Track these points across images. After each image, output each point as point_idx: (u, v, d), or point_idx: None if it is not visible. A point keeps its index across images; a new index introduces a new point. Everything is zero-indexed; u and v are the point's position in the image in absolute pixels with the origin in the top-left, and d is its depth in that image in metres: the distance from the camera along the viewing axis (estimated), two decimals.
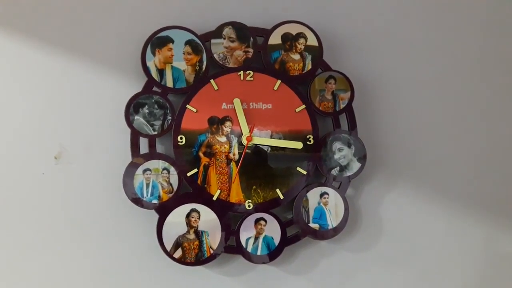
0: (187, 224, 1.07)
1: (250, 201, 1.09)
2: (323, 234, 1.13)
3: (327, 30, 1.18)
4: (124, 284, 1.09)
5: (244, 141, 1.09)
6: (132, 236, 1.09)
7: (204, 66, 1.10)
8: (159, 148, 1.09)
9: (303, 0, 1.20)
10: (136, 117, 1.07)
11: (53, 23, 1.10)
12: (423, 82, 1.24)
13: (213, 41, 1.11)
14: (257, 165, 1.11)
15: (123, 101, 1.06)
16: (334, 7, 1.22)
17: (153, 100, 1.08)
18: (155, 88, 1.09)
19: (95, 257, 1.08)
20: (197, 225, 1.07)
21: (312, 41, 1.15)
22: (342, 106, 1.16)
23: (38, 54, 1.09)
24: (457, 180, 1.24)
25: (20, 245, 1.06)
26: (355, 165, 1.15)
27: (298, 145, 1.11)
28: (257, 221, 1.10)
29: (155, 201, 1.06)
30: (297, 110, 1.13)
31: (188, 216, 1.07)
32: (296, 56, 1.14)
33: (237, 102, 1.10)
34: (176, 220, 1.06)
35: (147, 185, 1.06)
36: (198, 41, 1.10)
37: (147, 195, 1.06)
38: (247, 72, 1.12)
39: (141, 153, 1.07)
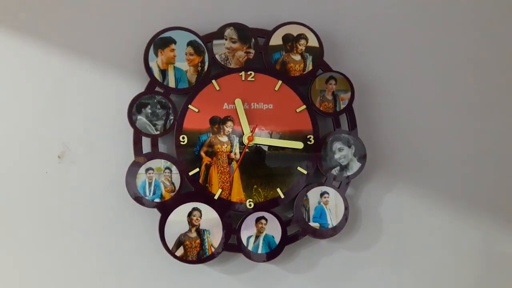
0: (188, 222, 1.08)
1: (251, 200, 1.11)
2: (323, 233, 1.14)
3: (328, 31, 1.19)
4: (126, 281, 1.11)
5: (245, 141, 1.10)
6: (134, 234, 1.11)
7: (206, 67, 1.12)
8: (161, 148, 1.11)
9: (304, 2, 1.21)
10: (139, 117, 1.08)
11: (57, 23, 1.11)
12: (423, 83, 1.25)
13: (215, 42, 1.12)
14: (258, 165, 1.12)
15: (126, 101, 1.08)
16: (334, 8, 1.23)
17: (155, 100, 1.09)
18: (157, 89, 1.10)
19: (98, 255, 1.10)
20: (199, 224, 1.08)
21: (313, 42, 1.16)
22: (342, 106, 1.17)
23: (42, 55, 1.10)
24: (456, 180, 1.25)
25: (24, 243, 1.07)
26: (355, 165, 1.16)
27: (299, 145, 1.12)
28: (258, 220, 1.11)
29: (157, 200, 1.07)
30: (298, 110, 1.14)
31: (189, 214, 1.08)
32: (297, 57, 1.15)
33: (238, 102, 1.11)
34: (178, 218, 1.08)
35: (150, 184, 1.07)
36: (200, 42, 1.11)
37: (149, 194, 1.07)
38: (249, 72, 1.13)
39: (144, 152, 1.09)
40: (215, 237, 1.09)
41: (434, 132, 1.25)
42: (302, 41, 1.16)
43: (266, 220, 1.11)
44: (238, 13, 1.17)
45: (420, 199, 1.23)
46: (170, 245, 1.06)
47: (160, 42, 1.10)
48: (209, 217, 1.09)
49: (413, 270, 1.22)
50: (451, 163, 1.25)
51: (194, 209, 1.09)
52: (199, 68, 1.11)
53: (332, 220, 1.14)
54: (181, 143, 1.09)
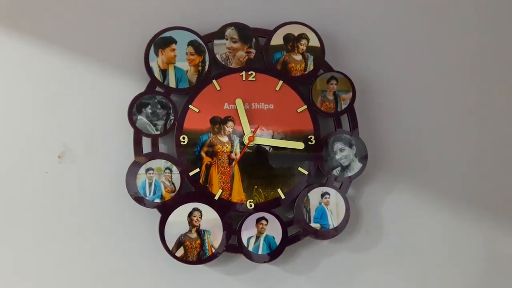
0: (189, 223, 1.08)
1: (251, 200, 1.10)
2: (324, 234, 1.13)
3: (329, 31, 1.19)
4: (126, 282, 1.10)
5: (246, 141, 1.09)
6: (134, 234, 1.10)
7: (206, 67, 1.11)
8: (162, 148, 1.10)
9: (305, 1, 1.21)
10: (139, 116, 1.08)
11: (57, 23, 1.11)
12: (424, 83, 1.25)
13: (215, 41, 1.12)
14: (258, 165, 1.11)
15: (126, 101, 1.07)
16: (336, 8, 1.22)
17: (156, 100, 1.09)
18: (158, 88, 1.10)
19: (98, 255, 1.09)
20: (199, 224, 1.08)
21: (314, 42, 1.15)
22: (343, 106, 1.16)
23: (43, 55, 1.10)
24: (458, 181, 1.24)
25: (24, 243, 1.07)
26: (357, 166, 1.15)
27: (300, 145, 1.12)
28: (258, 220, 1.10)
29: (157, 200, 1.07)
30: (299, 110, 1.14)
31: (190, 215, 1.08)
32: (298, 57, 1.15)
33: (239, 102, 1.11)
34: (178, 219, 1.07)
35: (150, 184, 1.07)
36: (201, 42, 1.11)
37: (149, 194, 1.07)
38: (249, 72, 1.13)
39: (144, 152, 1.08)
40: (215, 238, 1.08)
41: (436, 132, 1.24)
42: (303, 41, 1.15)
43: (267, 220, 1.11)
44: (239, 12, 1.17)
45: (421, 199, 1.23)
46: (170, 245, 1.06)
47: (161, 42, 1.10)
48: (210, 218, 1.08)
49: (415, 270, 1.22)
50: (452, 163, 1.24)
51: (195, 209, 1.08)
52: (200, 68, 1.11)
53: (333, 221, 1.14)
54: (182, 143, 1.09)
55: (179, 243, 1.07)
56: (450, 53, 1.26)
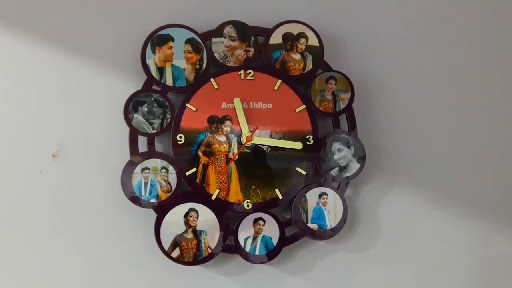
0: (185, 223, 1.06)
1: (249, 200, 1.09)
2: (321, 234, 1.12)
3: (328, 30, 1.18)
4: (122, 282, 1.09)
5: (244, 140, 1.08)
6: (130, 235, 1.09)
7: (204, 65, 1.10)
8: (158, 147, 1.09)
9: (305, 0, 1.19)
10: (135, 115, 1.06)
11: (52, 20, 1.09)
12: (423, 84, 1.24)
13: (213, 39, 1.11)
14: (256, 165, 1.10)
15: (122, 99, 1.06)
16: (335, 7, 1.21)
17: (152, 99, 1.07)
18: (154, 87, 1.08)
19: (93, 256, 1.08)
20: (195, 225, 1.07)
21: (313, 41, 1.14)
22: (342, 106, 1.15)
23: (37, 53, 1.08)
24: (455, 182, 1.24)
25: (17, 243, 1.05)
26: (355, 166, 1.15)
27: (298, 145, 1.11)
28: (255, 221, 1.09)
29: (153, 200, 1.05)
30: (297, 110, 1.13)
31: (186, 215, 1.06)
32: (297, 56, 1.14)
33: (237, 101, 1.09)
34: (174, 219, 1.06)
35: (146, 184, 1.05)
36: (199, 40, 1.09)
37: (145, 194, 1.05)
38: (248, 71, 1.11)
39: (140, 151, 1.07)
40: (212, 238, 1.07)
41: (433, 134, 1.24)
42: (302, 40, 1.14)
43: (264, 221, 1.10)
44: (237, 10, 1.15)
45: (419, 200, 1.22)
46: (166, 246, 1.05)
47: (158, 39, 1.08)
48: (206, 218, 1.07)
49: (412, 271, 1.21)
50: (450, 164, 1.24)
51: (191, 209, 1.07)
52: (198, 66, 1.10)
53: (331, 221, 1.13)
54: (178, 142, 1.07)
55: (175, 243, 1.05)
56: (449, 53, 1.26)
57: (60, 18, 1.09)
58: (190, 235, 1.06)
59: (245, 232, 1.09)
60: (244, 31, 1.12)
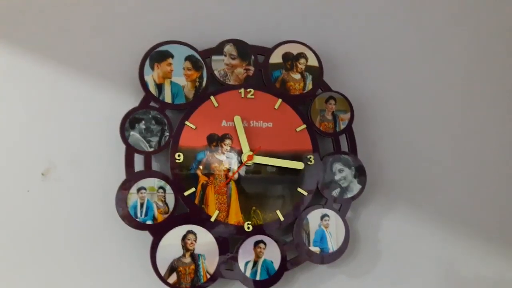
0: (182, 247, 1.00)
1: (249, 222, 1.05)
2: (323, 258, 1.08)
3: (327, 50, 1.19)
4: None
5: (244, 159, 1.05)
6: (124, 259, 1.02)
7: (204, 83, 1.08)
8: (154, 166, 1.04)
9: (304, 21, 1.21)
10: (132, 132, 1.02)
11: (48, 33, 1.05)
12: (422, 104, 1.25)
13: (213, 57, 1.09)
14: (256, 185, 1.07)
15: (118, 116, 1.01)
16: (334, 28, 1.23)
17: (150, 116, 1.03)
18: (152, 104, 1.05)
19: (84, 280, 0.99)
20: (194, 248, 1.01)
21: (312, 61, 1.15)
22: (342, 126, 1.15)
23: (30, 65, 1.03)
24: (456, 203, 1.23)
25: (3, 267, 0.96)
26: (356, 187, 1.13)
27: (300, 165, 1.08)
28: (256, 244, 1.05)
29: (149, 222, 0.99)
30: (298, 129, 1.11)
31: (184, 238, 1.01)
32: (297, 76, 1.14)
33: (237, 119, 1.07)
34: (171, 242, 1.00)
35: (142, 204, 1.00)
36: (199, 57, 1.08)
37: (141, 215, 0.99)
38: (248, 89, 1.10)
39: (136, 170, 1.02)
40: (210, 263, 1.01)
41: (433, 154, 1.24)
42: (302, 60, 1.14)
43: (265, 244, 1.05)
44: (237, 29, 1.15)
45: (420, 222, 1.21)
46: (162, 271, 0.98)
47: (157, 55, 1.06)
48: (205, 241, 1.02)
49: None
50: (451, 186, 1.23)
51: (189, 232, 1.01)
52: (197, 84, 1.07)
53: (333, 244, 1.09)
54: (177, 161, 1.03)
55: (172, 268, 0.99)
56: (448, 74, 1.28)
57: (54, 31, 1.06)
58: (188, 260, 1.00)
59: (245, 256, 1.04)
60: (244, 49, 1.11)
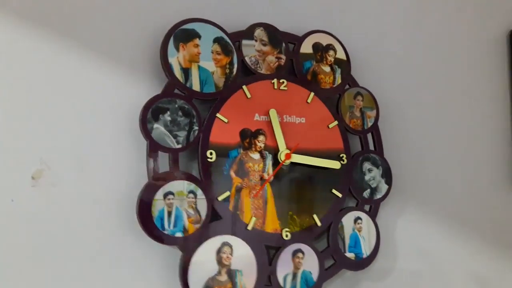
0: (218, 262, 0.84)
1: (287, 229, 0.93)
2: (358, 264, 1.01)
3: (354, 45, 1.12)
4: None
5: (282, 158, 0.93)
6: (148, 281, 0.81)
7: (234, 70, 0.93)
8: (182, 166, 0.86)
9: (331, 13, 1.12)
10: (156, 125, 0.83)
11: (55, 9, 0.81)
12: (445, 106, 1.22)
13: (244, 42, 0.95)
14: (291, 187, 0.95)
15: (136, 105, 0.82)
16: (361, 23, 1.16)
17: (176, 105, 0.86)
18: (176, 91, 0.87)
19: None
20: (230, 263, 0.86)
21: (341, 54, 1.07)
22: (369, 124, 1.09)
23: (32, 42, 0.78)
24: (476, 207, 1.22)
25: None
26: (384, 187, 1.08)
27: (336, 164, 1.00)
28: (294, 253, 0.93)
29: (179, 234, 0.82)
30: (330, 126, 1.02)
31: (219, 252, 0.85)
32: (327, 68, 1.05)
33: (273, 113, 0.94)
34: (205, 258, 0.83)
35: (169, 213, 0.82)
36: (228, 40, 0.93)
37: (169, 227, 0.81)
38: (281, 80, 0.98)
39: (161, 171, 0.83)
40: (249, 279, 0.87)
41: (454, 158, 1.21)
42: (331, 52, 1.06)
43: (303, 253, 0.94)
44: (263, 13, 1.02)
45: (442, 226, 1.18)
46: None
47: (182, 34, 0.88)
48: (241, 254, 0.87)
49: None
50: (471, 186, 1.22)
51: (224, 244, 0.86)
52: (227, 71, 0.92)
53: (366, 249, 1.03)
54: (209, 160, 0.87)
55: None
56: (474, 77, 1.26)
57: (62, 6, 0.82)
58: (224, 277, 0.85)
59: (284, 269, 0.91)
60: (275, 35, 0.99)
